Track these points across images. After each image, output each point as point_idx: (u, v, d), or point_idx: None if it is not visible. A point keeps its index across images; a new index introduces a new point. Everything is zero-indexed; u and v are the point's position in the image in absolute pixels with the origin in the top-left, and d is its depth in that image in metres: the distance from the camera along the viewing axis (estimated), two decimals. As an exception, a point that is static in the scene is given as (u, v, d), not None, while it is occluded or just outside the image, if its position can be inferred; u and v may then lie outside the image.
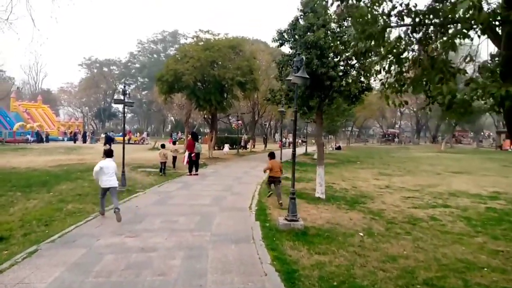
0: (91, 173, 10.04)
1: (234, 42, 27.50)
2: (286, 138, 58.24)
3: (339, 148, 48.60)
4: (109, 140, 25.57)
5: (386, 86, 4.56)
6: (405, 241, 7.85)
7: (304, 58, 7.69)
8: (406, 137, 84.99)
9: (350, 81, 12.01)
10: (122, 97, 13.22)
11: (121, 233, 7.50)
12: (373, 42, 4.14)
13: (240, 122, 47.55)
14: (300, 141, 56.32)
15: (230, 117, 58.52)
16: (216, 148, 32.72)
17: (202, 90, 25.32)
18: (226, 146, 33.95)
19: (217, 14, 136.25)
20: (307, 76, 7.39)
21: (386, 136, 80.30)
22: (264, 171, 11.41)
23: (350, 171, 22.28)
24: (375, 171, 22.93)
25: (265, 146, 43.76)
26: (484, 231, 8.76)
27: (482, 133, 77.61)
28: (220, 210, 9.85)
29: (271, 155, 11.40)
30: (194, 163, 17.31)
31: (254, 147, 40.50)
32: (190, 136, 23.19)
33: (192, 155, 17.15)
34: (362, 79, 12.05)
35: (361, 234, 8.23)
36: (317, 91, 11.74)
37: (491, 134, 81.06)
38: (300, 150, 37.46)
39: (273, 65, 40.47)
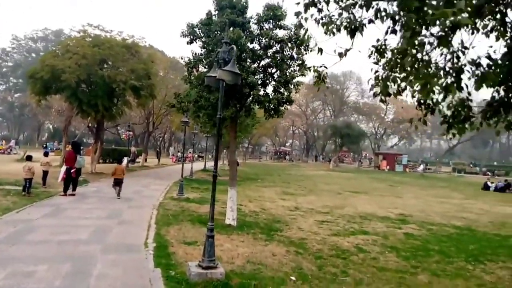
0: None
1: (130, 42, 24.19)
2: (180, 152, 54.86)
3: (237, 164, 47.61)
4: None
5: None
6: (347, 286, 6.38)
7: (235, 49, 5.77)
8: (296, 155, 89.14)
9: (270, 91, 10.54)
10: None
11: None
12: None
13: (131, 133, 43.10)
14: (197, 155, 53.90)
15: (119, 127, 52.97)
16: (101, 161, 28.36)
17: (87, 93, 21.26)
18: (125, 159, 30.11)
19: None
20: (239, 72, 5.50)
21: (278, 153, 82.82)
22: (111, 175, 14.19)
23: (254, 190, 20.99)
24: (278, 189, 22.18)
25: (159, 161, 40.14)
26: (420, 266, 7.83)
27: (361, 154, 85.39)
28: (102, 251, 7.11)
29: (119, 162, 15.48)
30: (72, 181, 13.80)
31: (146, 161, 36.68)
32: (70, 146, 19.11)
33: (72, 171, 13.61)
34: (282, 90, 10.71)
35: (293, 278, 6.53)
36: (233, 99, 9.88)
37: (367, 154, 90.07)
38: (198, 165, 35.16)
39: (171, 76, 38.06)
